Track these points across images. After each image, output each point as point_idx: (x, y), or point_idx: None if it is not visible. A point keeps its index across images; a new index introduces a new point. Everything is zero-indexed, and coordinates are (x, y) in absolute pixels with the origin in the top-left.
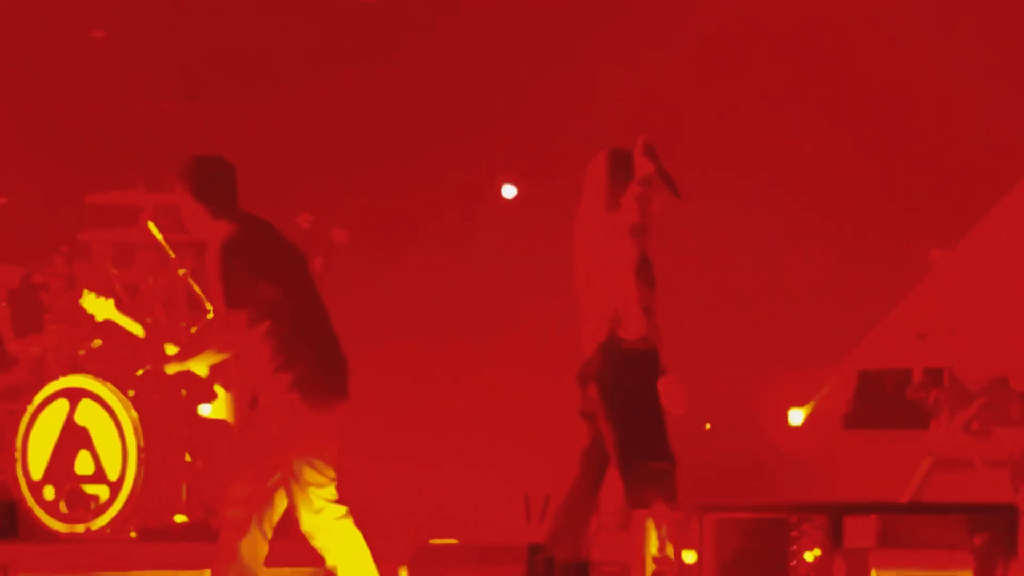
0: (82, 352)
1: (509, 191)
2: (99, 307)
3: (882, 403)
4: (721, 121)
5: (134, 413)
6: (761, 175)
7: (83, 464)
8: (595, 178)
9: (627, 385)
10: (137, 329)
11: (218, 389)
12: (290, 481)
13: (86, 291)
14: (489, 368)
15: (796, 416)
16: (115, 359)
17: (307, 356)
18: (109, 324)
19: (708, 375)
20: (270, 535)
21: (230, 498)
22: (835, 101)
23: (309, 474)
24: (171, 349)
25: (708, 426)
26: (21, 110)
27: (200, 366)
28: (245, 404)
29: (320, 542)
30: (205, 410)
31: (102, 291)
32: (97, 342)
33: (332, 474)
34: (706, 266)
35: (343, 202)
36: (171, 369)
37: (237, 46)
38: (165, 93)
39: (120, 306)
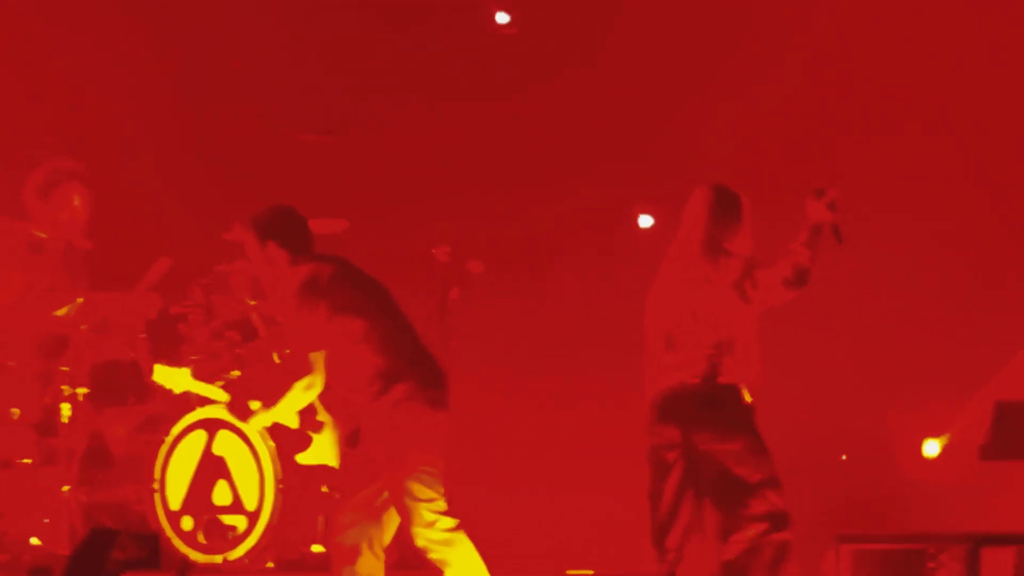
0: (220, 383)
1: (645, 221)
2: (174, 378)
3: (1020, 434)
4: (854, 151)
5: (271, 443)
6: (894, 204)
7: (221, 495)
8: (696, 212)
9: (726, 420)
10: (221, 395)
11: (312, 434)
12: (401, 499)
13: (157, 365)
14: (624, 396)
15: (932, 447)
16: (254, 390)
17: (405, 376)
18: (247, 354)
19: (843, 406)
20: (383, 557)
21: (339, 525)
22: (975, 128)
23: (419, 490)
24: (255, 404)
25: (844, 457)
26: (163, 145)
27: (289, 415)
28: (343, 442)
29: (437, 555)
30: (304, 458)
31: (241, 322)
32: (235, 373)
33: (441, 488)
34: (841, 296)
35: (479, 233)
36: (257, 423)
37: (376, 78)
38: (303, 126)
39: (258, 338)
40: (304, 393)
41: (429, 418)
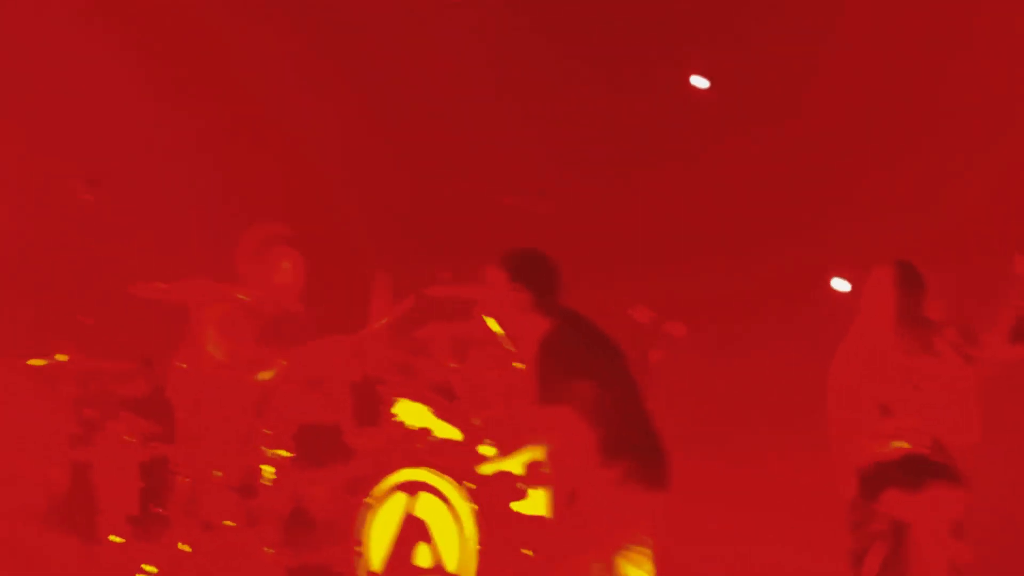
0: (421, 445)
1: (841, 285)
2: (413, 413)
3: None
4: None
5: (473, 506)
6: None
7: (422, 557)
8: (880, 290)
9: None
10: (455, 434)
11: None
12: (610, 568)
13: (399, 399)
14: (823, 454)
15: None
16: (453, 451)
17: (629, 449)
18: (449, 417)
19: None
20: None
21: None
22: None
23: (628, 569)
24: (487, 450)
25: None
26: (371, 209)
27: (516, 464)
28: (562, 499)
29: None
30: (521, 507)
31: (442, 385)
32: (436, 436)
33: (650, 565)
34: None
35: (680, 295)
36: (487, 469)
37: (575, 142)
38: (508, 187)
39: (456, 400)
40: (538, 445)
41: (647, 499)
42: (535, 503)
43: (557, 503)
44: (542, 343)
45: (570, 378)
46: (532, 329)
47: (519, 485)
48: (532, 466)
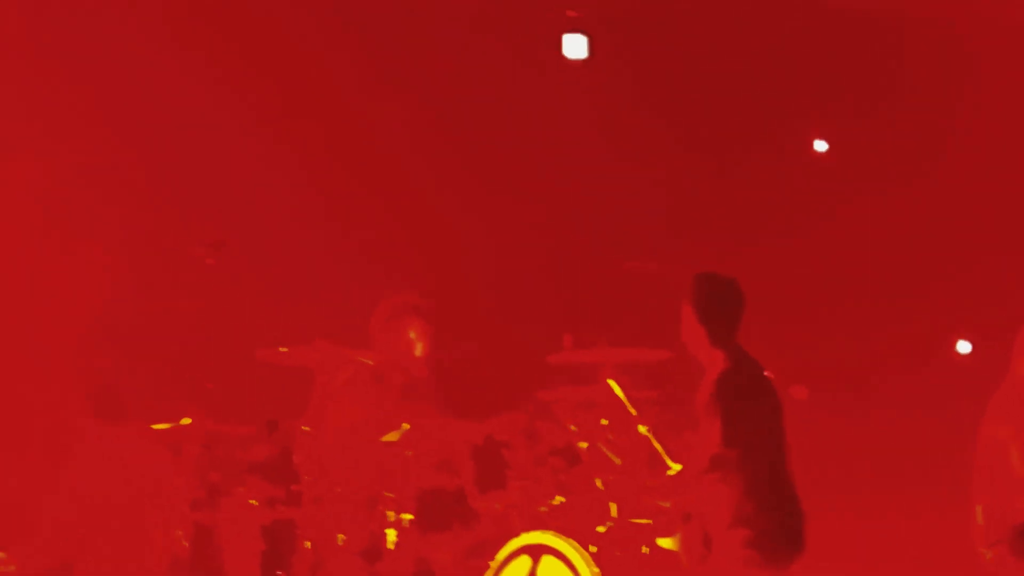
0: (544, 509)
1: (964, 347)
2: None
3: None
4: None
5: (595, 569)
6: None
7: None
8: None
9: None
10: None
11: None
12: None
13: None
14: (950, 513)
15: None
16: (577, 515)
17: (766, 512)
18: (570, 480)
19: None
20: None
21: None
22: None
23: None
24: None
25: None
26: (496, 275)
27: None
28: (696, 555)
29: None
30: (667, 543)
31: (565, 448)
32: (559, 499)
33: None
34: None
35: (802, 358)
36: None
37: (704, 207)
38: (628, 253)
39: (581, 464)
40: (712, 487)
41: (780, 564)
42: (668, 552)
43: (690, 558)
44: (721, 381)
45: (733, 421)
46: (710, 364)
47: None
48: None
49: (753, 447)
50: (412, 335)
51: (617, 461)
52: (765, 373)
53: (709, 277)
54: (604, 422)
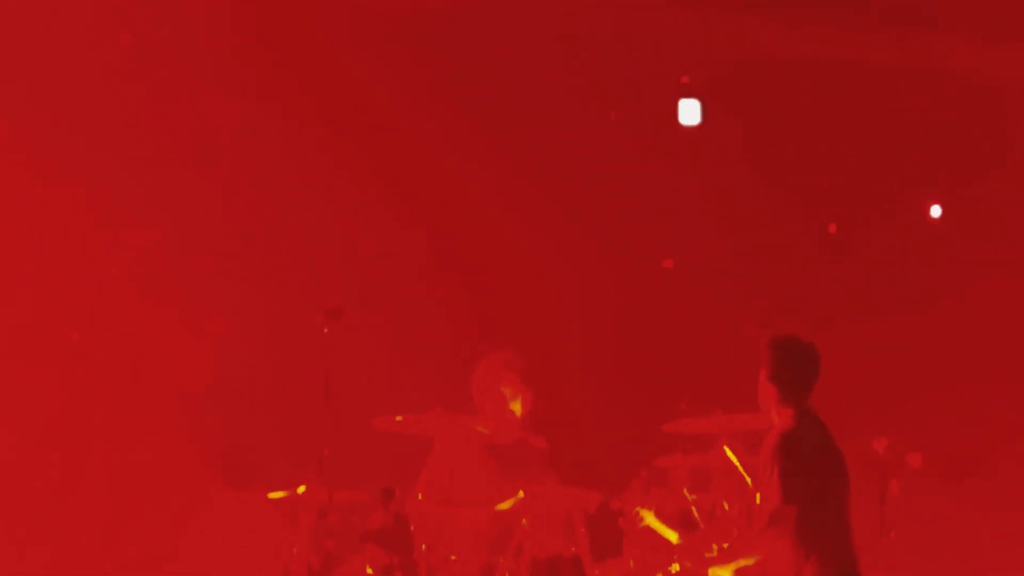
0: (661, 574)
1: None
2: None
3: None
4: None
5: None
6: None
7: None
8: None
9: None
10: (672, 536)
11: None
12: None
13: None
14: None
15: None
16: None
17: (824, 569)
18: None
19: None
20: None
21: None
22: None
23: None
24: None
25: None
26: (594, 339)
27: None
28: None
29: None
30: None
31: (679, 516)
32: (675, 567)
33: None
34: None
35: (918, 426)
36: (715, 574)
37: (813, 275)
38: (743, 320)
39: (696, 530)
40: (761, 548)
41: None
42: None
43: None
44: (784, 438)
45: (792, 478)
46: (779, 422)
47: None
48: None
49: (812, 505)
50: (506, 391)
51: (733, 527)
52: (878, 441)
53: (784, 339)
54: (719, 489)
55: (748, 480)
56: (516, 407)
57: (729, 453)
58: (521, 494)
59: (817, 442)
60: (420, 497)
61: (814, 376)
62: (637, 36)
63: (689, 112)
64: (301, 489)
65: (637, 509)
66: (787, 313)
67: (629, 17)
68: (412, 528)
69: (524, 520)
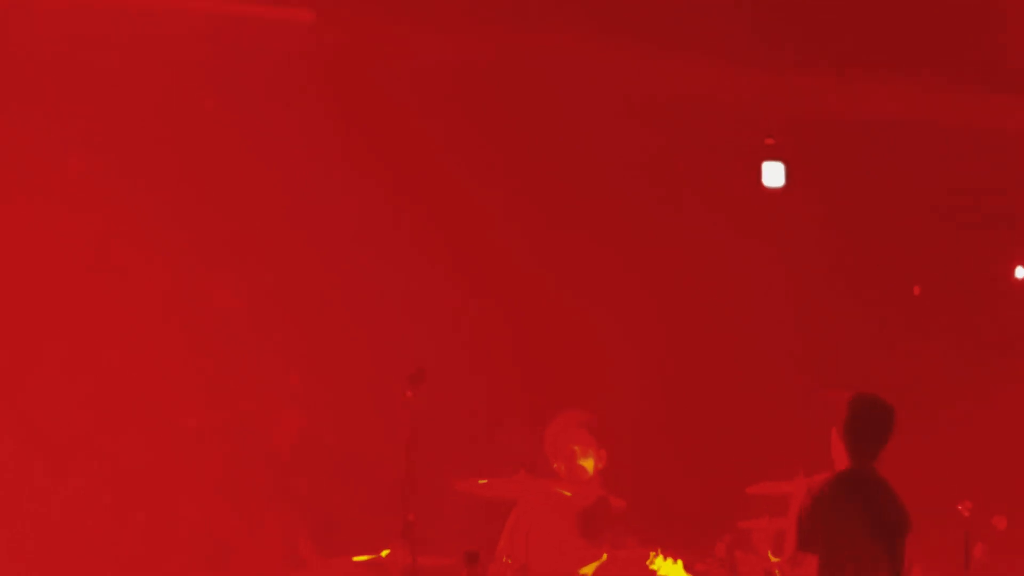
0: None
1: None
2: (669, 571)
3: None
4: None
5: None
6: None
7: None
8: None
9: None
10: None
11: None
12: None
13: (653, 553)
14: None
15: None
16: None
17: None
18: None
19: None
20: None
21: None
22: None
23: None
24: None
25: None
26: (664, 404)
27: None
28: None
29: None
30: None
31: None
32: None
33: None
34: None
35: (1002, 488)
36: None
37: (896, 336)
38: (824, 381)
39: None
40: None
41: None
42: None
43: None
44: (814, 490)
45: (814, 524)
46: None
47: None
48: None
49: (834, 558)
50: (577, 449)
51: None
52: (963, 504)
53: (858, 396)
54: None
55: None
56: (587, 464)
57: None
58: (604, 557)
59: (857, 496)
60: (506, 561)
61: (883, 435)
62: (722, 98)
63: (773, 174)
64: (386, 553)
65: (653, 556)
66: (870, 376)
67: (714, 79)
68: None
69: None
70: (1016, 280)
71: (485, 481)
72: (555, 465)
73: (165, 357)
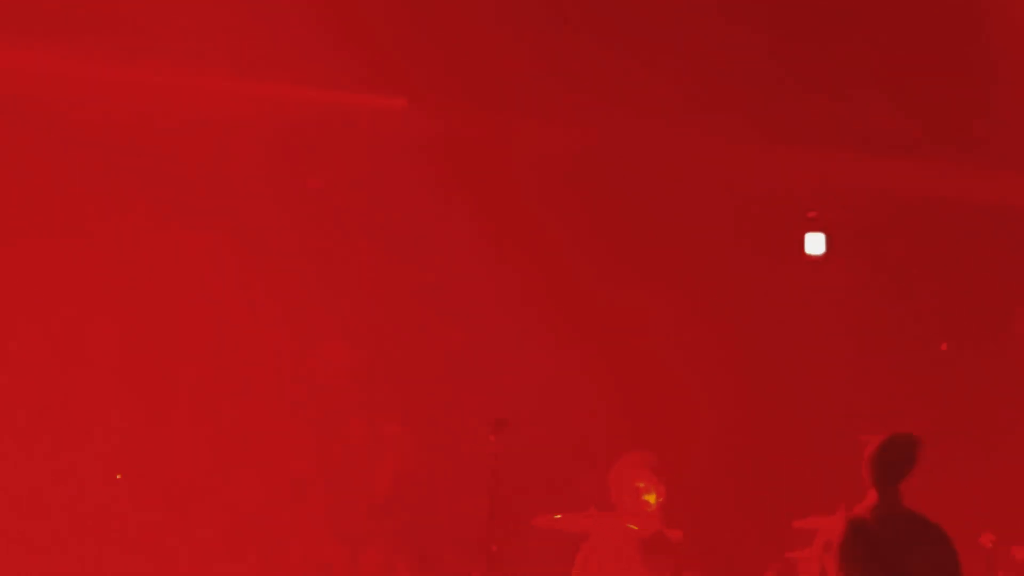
0: None
1: None
2: None
3: None
4: None
5: None
6: None
7: None
8: None
9: None
10: None
11: None
12: None
13: None
14: None
15: None
16: None
17: None
18: None
19: None
20: None
21: None
22: None
23: None
24: None
25: None
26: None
27: None
28: None
29: None
30: None
31: None
32: None
33: None
34: None
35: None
36: None
37: (933, 387)
38: (864, 427)
39: None
40: None
41: None
42: None
43: None
44: (850, 520)
45: (845, 554)
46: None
47: None
48: None
49: None
50: (640, 485)
51: None
52: (985, 536)
53: (887, 434)
54: None
55: None
56: (650, 499)
57: None
58: None
59: (886, 532)
60: None
61: (905, 464)
62: (769, 176)
63: (815, 244)
64: None
65: None
66: (903, 420)
67: (763, 159)
68: None
69: None
70: None
71: (560, 516)
72: (621, 500)
73: (278, 411)
